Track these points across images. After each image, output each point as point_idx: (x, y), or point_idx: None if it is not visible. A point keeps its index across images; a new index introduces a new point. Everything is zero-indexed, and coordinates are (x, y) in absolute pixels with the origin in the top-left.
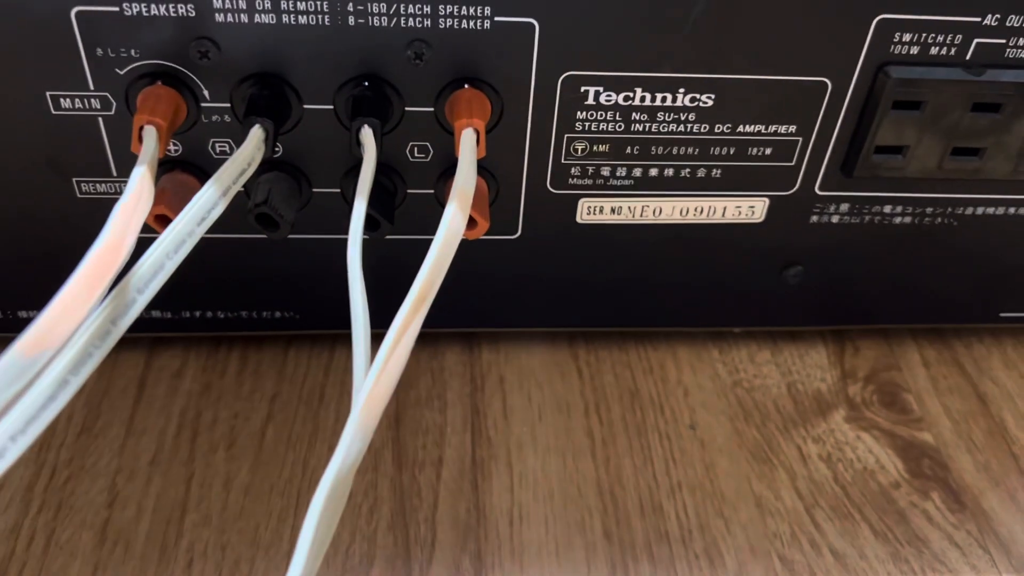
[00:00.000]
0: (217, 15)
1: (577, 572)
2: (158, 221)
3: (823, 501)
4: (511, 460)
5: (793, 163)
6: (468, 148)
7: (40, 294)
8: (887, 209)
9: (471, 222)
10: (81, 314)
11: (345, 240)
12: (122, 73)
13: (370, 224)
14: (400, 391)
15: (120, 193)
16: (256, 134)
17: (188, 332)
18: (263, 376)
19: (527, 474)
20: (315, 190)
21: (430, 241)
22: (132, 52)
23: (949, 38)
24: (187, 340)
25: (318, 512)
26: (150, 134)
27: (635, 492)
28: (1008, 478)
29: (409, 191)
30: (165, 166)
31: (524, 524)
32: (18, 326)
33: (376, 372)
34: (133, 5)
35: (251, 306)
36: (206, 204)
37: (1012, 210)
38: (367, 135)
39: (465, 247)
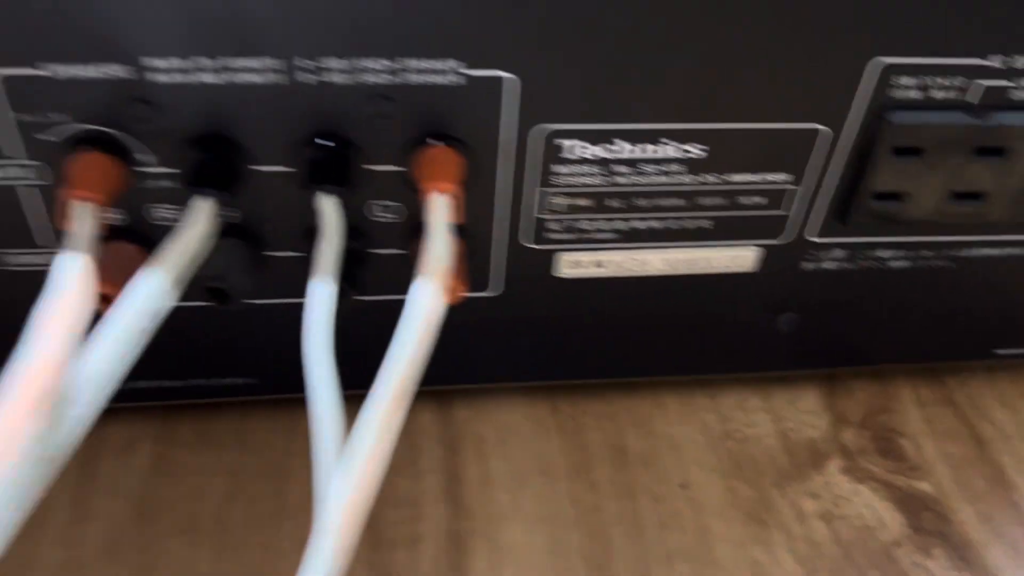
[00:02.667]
0: (155, 76)
1: None
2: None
3: (823, 564)
4: (494, 533)
5: (786, 211)
6: (441, 217)
7: None
8: (883, 254)
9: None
10: (13, 451)
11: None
12: (53, 140)
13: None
14: None
15: (47, 266)
16: (204, 208)
17: (138, 402)
18: (221, 447)
19: (512, 549)
20: (271, 254)
21: (398, 301)
22: (64, 117)
23: (951, 81)
24: (136, 410)
25: None
26: (81, 212)
27: (626, 564)
28: (1011, 530)
29: (374, 251)
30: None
31: None
32: None
33: (350, 490)
34: (62, 68)
35: (207, 373)
36: (148, 295)
37: (1012, 250)
38: (328, 204)
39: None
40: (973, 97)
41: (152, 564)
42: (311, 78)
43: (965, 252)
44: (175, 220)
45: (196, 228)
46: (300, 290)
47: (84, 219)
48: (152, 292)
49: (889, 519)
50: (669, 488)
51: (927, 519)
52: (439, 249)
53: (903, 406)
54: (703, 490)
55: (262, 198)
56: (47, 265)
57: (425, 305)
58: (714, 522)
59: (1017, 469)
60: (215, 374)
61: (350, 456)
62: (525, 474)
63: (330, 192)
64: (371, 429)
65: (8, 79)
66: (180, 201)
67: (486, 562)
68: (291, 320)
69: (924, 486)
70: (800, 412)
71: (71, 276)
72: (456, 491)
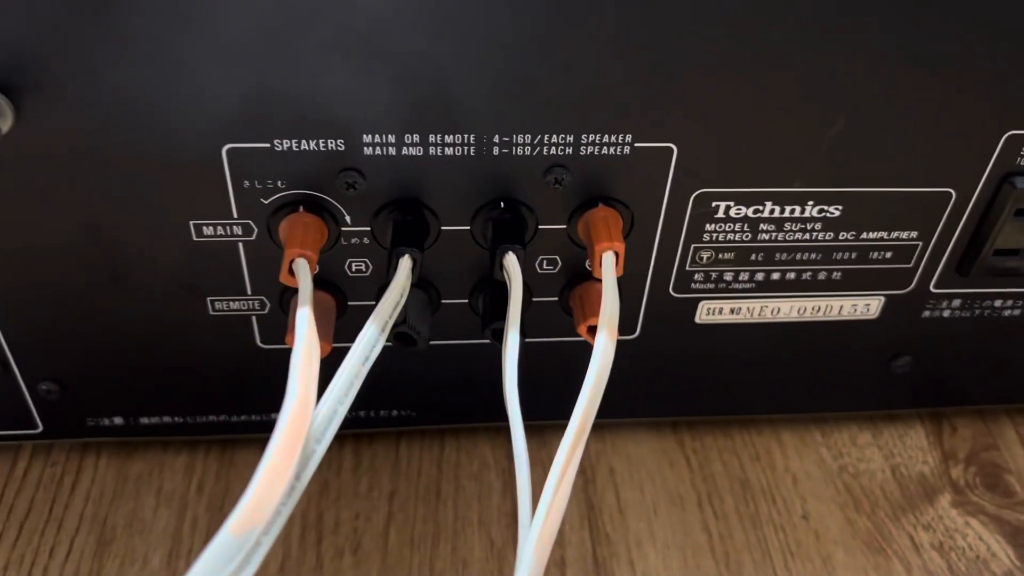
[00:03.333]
0: (366, 149)
1: None
2: None
3: None
4: (632, 559)
5: (911, 264)
6: (611, 274)
7: (161, 403)
8: (998, 303)
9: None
10: (284, 483)
11: (463, 344)
12: (266, 202)
13: (496, 336)
14: (514, 487)
15: (253, 310)
16: (406, 264)
17: None
18: (378, 472)
19: (650, 574)
20: (444, 302)
21: (552, 344)
22: (278, 183)
23: None
24: None
25: None
26: (303, 269)
27: None
28: None
29: (534, 299)
30: None
31: None
32: (138, 431)
33: (542, 515)
34: (284, 141)
35: (370, 406)
36: (368, 343)
37: None
38: (512, 262)
39: (583, 348)
40: None
41: None
42: (500, 151)
43: None
44: (361, 271)
45: (399, 282)
46: (462, 333)
47: (305, 275)
48: (370, 341)
49: (1000, 551)
50: (792, 519)
51: None
52: (611, 304)
53: (1007, 444)
54: (823, 521)
55: (442, 254)
56: (253, 311)
57: (603, 355)
58: (836, 551)
59: None
60: (379, 407)
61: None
62: (657, 503)
63: (515, 251)
64: (558, 462)
65: (231, 151)
66: (368, 255)
67: None
68: (452, 358)
69: None
70: (909, 448)
71: (307, 328)
72: (594, 519)
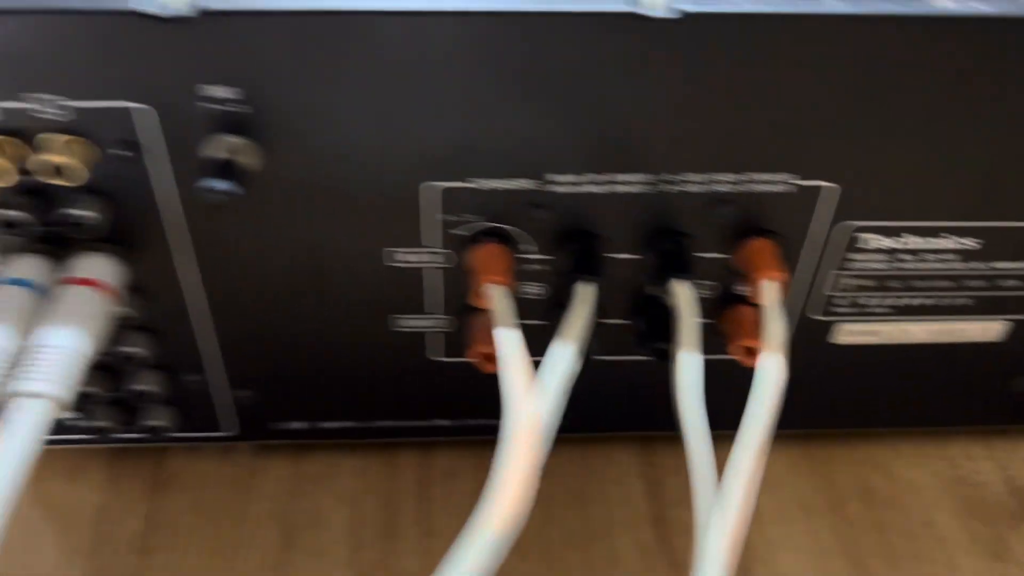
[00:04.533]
0: (554, 187)
1: None
2: (483, 359)
3: None
4: (771, 560)
5: None
6: (775, 301)
7: (339, 409)
8: None
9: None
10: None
11: (622, 361)
12: (457, 233)
13: (660, 355)
14: (656, 492)
15: (430, 328)
16: (589, 290)
17: (463, 437)
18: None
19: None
20: (603, 321)
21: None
22: (470, 216)
23: None
24: (458, 443)
25: None
26: (500, 294)
27: None
28: None
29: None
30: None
31: None
32: (318, 434)
33: (725, 537)
34: (478, 181)
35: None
36: (571, 365)
37: None
38: (684, 289)
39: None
40: None
41: None
42: (670, 188)
43: None
44: (539, 295)
45: (587, 306)
46: (624, 348)
47: (502, 299)
48: (572, 358)
49: None
50: (915, 525)
51: None
52: (777, 328)
53: None
54: (945, 528)
55: (609, 279)
56: (431, 329)
57: (774, 374)
58: (961, 557)
59: None
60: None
61: (726, 504)
62: (790, 509)
63: (683, 279)
64: (741, 483)
65: (446, 190)
66: (546, 280)
67: None
68: (605, 374)
69: None
70: (1021, 461)
71: (515, 346)
72: None
